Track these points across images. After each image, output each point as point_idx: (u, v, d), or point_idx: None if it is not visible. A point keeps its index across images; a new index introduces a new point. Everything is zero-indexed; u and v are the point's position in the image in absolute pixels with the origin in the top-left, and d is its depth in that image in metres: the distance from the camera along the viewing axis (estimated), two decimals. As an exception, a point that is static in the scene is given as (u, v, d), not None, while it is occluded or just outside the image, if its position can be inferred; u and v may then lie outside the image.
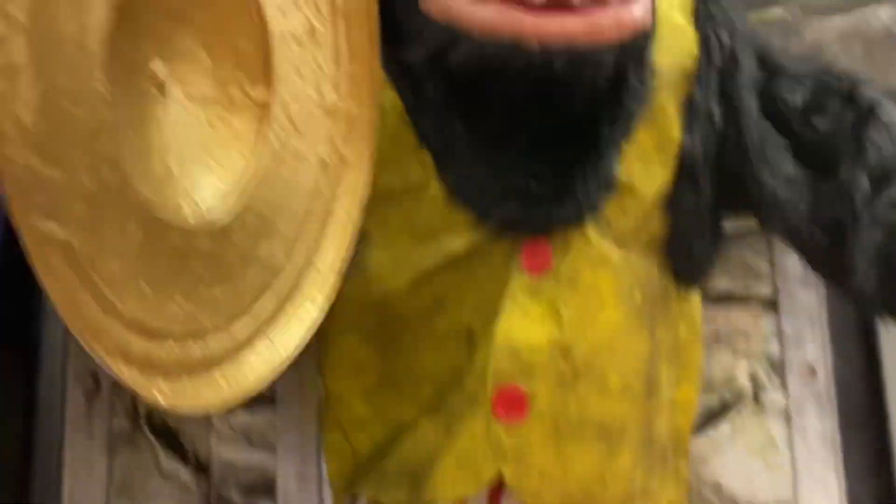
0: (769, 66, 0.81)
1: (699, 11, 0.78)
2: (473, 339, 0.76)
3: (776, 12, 1.15)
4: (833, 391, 1.07)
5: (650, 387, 0.78)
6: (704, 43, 0.77)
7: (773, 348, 1.09)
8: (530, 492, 0.72)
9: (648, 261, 0.78)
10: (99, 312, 0.47)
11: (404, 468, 0.77)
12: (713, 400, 1.09)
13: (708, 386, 1.10)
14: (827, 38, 1.12)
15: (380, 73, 0.70)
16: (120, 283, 0.48)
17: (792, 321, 1.09)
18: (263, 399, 0.94)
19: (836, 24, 1.13)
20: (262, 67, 0.58)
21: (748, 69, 0.79)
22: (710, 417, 1.08)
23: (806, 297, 1.09)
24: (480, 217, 0.72)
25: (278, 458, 0.93)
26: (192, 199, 0.54)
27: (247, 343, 0.59)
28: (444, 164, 0.73)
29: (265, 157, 0.58)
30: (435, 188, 0.74)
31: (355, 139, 0.68)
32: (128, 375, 0.47)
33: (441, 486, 0.74)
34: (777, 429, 1.07)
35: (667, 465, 0.83)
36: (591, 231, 0.73)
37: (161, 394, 0.50)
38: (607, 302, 0.74)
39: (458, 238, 0.74)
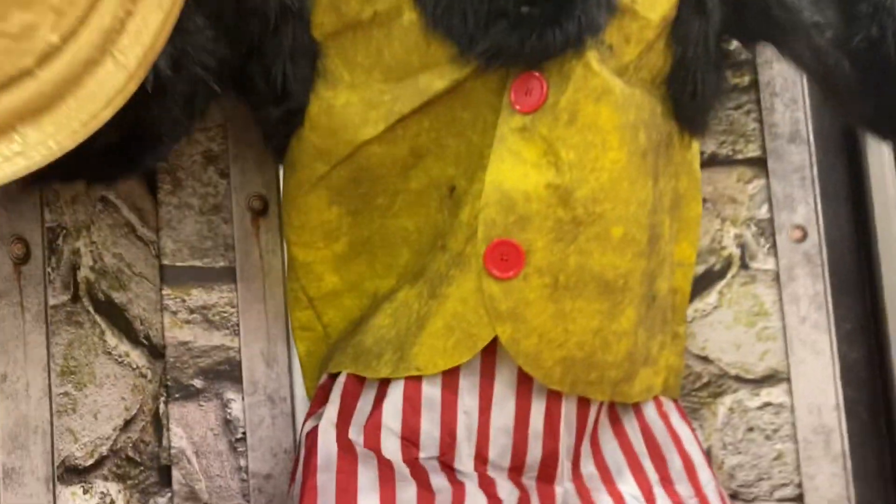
0: None
1: None
2: (457, 193, 0.69)
3: None
4: (824, 253, 1.02)
5: (653, 240, 0.71)
6: None
7: (762, 212, 1.03)
8: (528, 354, 0.66)
9: (652, 98, 0.70)
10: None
11: (385, 341, 0.70)
12: (699, 269, 1.03)
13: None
14: None
15: None
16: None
17: (781, 182, 1.03)
18: (221, 273, 0.85)
19: None
20: None
21: None
22: (697, 288, 1.03)
23: (797, 155, 1.03)
24: (463, 48, 0.64)
25: (241, 339, 0.85)
26: None
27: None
28: (419, -15, 0.65)
29: None
30: (409, 16, 0.65)
31: None
32: None
33: (430, 356, 0.67)
34: (767, 295, 1.02)
35: (666, 327, 0.77)
36: (592, 58, 0.65)
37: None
38: (610, 141, 0.66)
39: (438, 75, 0.66)
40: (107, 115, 0.53)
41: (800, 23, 0.70)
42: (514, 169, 0.65)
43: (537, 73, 0.65)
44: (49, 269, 0.77)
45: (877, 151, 1.03)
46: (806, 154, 1.02)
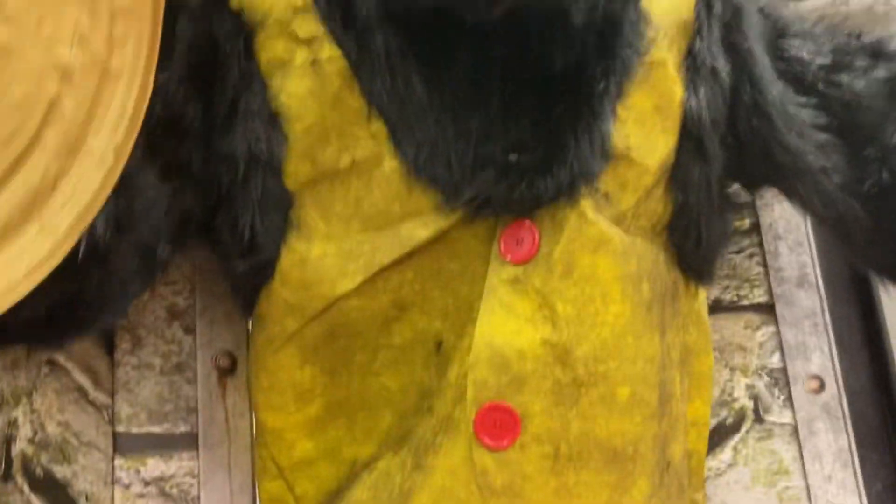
0: (773, 20, 0.74)
1: None
2: (445, 350, 0.64)
3: (751, -6, 1.08)
4: (845, 404, 0.96)
5: (663, 400, 0.66)
6: None
7: (774, 361, 0.98)
8: (526, 535, 0.58)
9: (654, 247, 0.66)
10: None
11: None
12: (711, 424, 0.97)
13: (703, 408, 0.98)
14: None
15: None
16: None
17: (793, 329, 0.99)
18: (182, 440, 0.78)
19: (815, 4, 1.06)
20: None
21: (754, 18, 0.70)
22: (710, 443, 0.96)
23: (807, 300, 0.99)
24: (448, 197, 0.61)
25: None
26: None
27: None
28: (401, 132, 0.62)
29: None
30: (390, 164, 0.63)
31: (125, 28, 0.52)
32: None
33: (414, 539, 0.59)
34: (786, 451, 0.95)
35: (683, 496, 0.70)
36: (587, 206, 0.61)
37: None
38: (611, 294, 0.61)
39: (421, 224, 0.62)
40: (25, 288, 0.47)
41: (805, 167, 0.69)
42: (506, 324, 0.61)
43: (528, 222, 0.61)
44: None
45: (891, 295, 1.00)
46: (816, 299, 0.99)
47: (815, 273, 1.00)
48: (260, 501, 0.73)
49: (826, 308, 0.99)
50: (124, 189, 0.54)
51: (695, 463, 0.74)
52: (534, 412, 0.59)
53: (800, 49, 0.72)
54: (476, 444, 0.59)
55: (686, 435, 0.71)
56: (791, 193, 0.74)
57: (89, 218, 0.50)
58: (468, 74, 0.61)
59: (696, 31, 0.67)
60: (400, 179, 0.62)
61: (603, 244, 0.61)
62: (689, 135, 0.66)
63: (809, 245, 1.00)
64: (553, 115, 0.61)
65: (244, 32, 0.65)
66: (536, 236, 0.61)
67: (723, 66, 0.68)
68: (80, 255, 0.51)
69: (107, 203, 0.51)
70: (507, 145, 0.60)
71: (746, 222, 0.99)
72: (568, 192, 0.60)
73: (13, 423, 0.79)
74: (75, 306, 0.60)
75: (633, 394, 0.62)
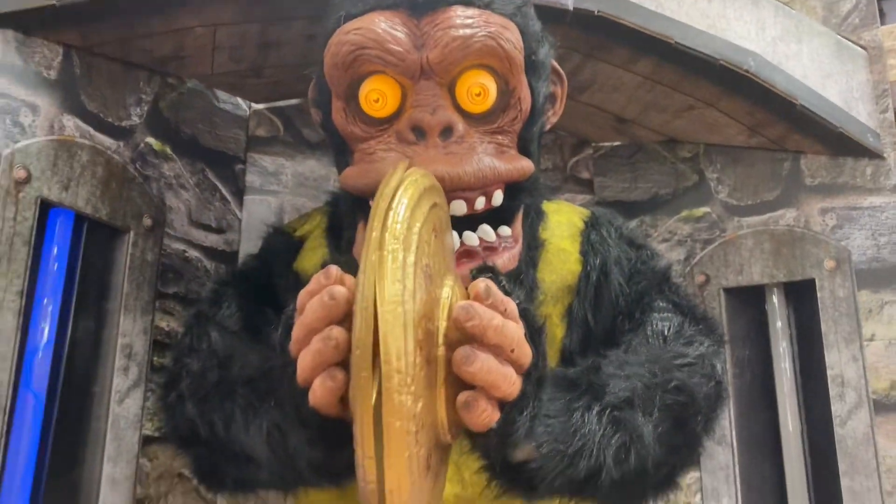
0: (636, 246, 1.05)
1: (583, 242, 1.03)
2: None
3: (704, 210, 1.38)
4: None
5: None
6: (584, 264, 1.01)
7: (696, 500, 1.26)
8: None
9: None
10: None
11: None
12: None
13: (643, 531, 1.27)
14: (744, 232, 1.34)
15: None
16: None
17: (710, 476, 1.26)
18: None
19: (751, 221, 1.35)
20: None
21: (615, 283, 1.01)
22: None
23: (723, 454, 1.26)
24: None
25: None
26: None
27: None
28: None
29: None
30: None
31: None
32: None
33: None
34: None
35: None
36: None
37: None
38: None
39: None
40: None
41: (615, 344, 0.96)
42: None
43: None
44: (135, 530, 1.06)
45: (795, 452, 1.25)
46: (730, 455, 1.26)
47: (731, 434, 1.27)
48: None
49: (737, 462, 1.26)
50: None
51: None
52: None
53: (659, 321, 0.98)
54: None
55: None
56: None
57: None
58: None
59: (576, 292, 0.99)
60: None
61: None
62: (563, 361, 0.97)
63: (729, 412, 1.27)
64: None
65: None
66: None
67: (591, 317, 0.99)
68: None
69: None
70: None
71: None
72: None
73: (157, 516, 1.12)
74: None
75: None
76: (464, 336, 0.61)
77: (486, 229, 0.89)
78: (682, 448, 0.87)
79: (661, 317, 0.98)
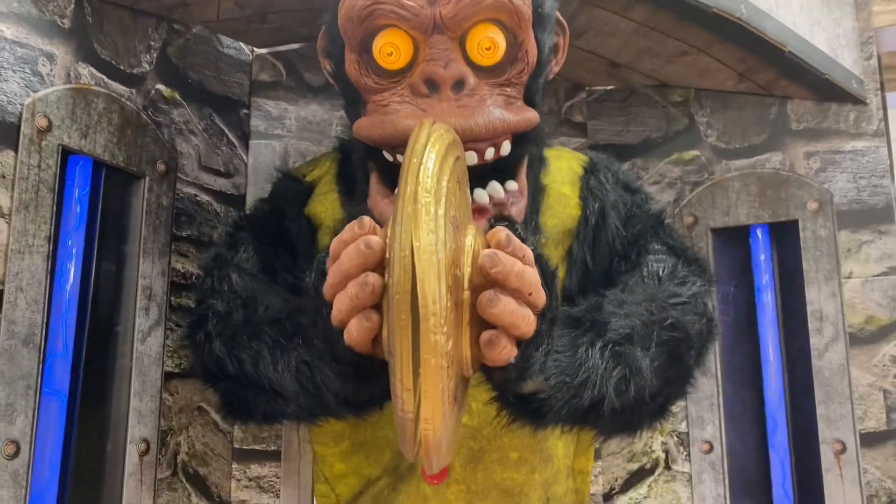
0: (632, 190, 1.11)
1: (582, 188, 1.08)
2: None
3: (694, 153, 1.43)
4: (727, 463, 1.31)
5: (544, 459, 1.05)
6: (583, 209, 1.06)
7: (682, 427, 1.34)
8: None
9: None
10: None
11: None
12: (635, 467, 1.35)
13: (632, 456, 1.36)
14: (732, 175, 1.40)
15: None
16: None
17: (695, 406, 1.35)
18: (272, 455, 1.25)
19: (738, 164, 1.41)
20: None
21: (613, 227, 1.07)
22: (632, 481, 1.34)
23: (707, 385, 1.34)
24: None
25: (281, 501, 1.21)
26: None
27: None
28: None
29: None
30: None
31: None
32: None
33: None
34: (683, 492, 1.32)
35: None
36: None
37: None
38: None
39: None
40: None
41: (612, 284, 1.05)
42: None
43: None
44: (160, 457, 1.11)
45: (775, 382, 1.34)
46: (714, 385, 1.34)
47: (716, 366, 1.35)
48: (315, 496, 1.15)
49: (721, 392, 1.35)
50: None
51: (580, 497, 1.12)
52: (456, 466, 0.99)
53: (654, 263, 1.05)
54: (423, 480, 0.99)
55: (571, 479, 1.11)
56: None
57: None
58: None
59: (576, 235, 1.04)
60: None
61: None
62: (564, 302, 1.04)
63: (714, 344, 1.35)
64: None
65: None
66: None
67: (589, 259, 1.05)
68: None
69: None
70: None
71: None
72: None
73: (179, 444, 1.15)
74: None
75: (521, 456, 1.02)
76: (486, 281, 0.67)
77: (495, 186, 0.95)
78: (676, 380, 0.94)
79: (655, 258, 1.05)
